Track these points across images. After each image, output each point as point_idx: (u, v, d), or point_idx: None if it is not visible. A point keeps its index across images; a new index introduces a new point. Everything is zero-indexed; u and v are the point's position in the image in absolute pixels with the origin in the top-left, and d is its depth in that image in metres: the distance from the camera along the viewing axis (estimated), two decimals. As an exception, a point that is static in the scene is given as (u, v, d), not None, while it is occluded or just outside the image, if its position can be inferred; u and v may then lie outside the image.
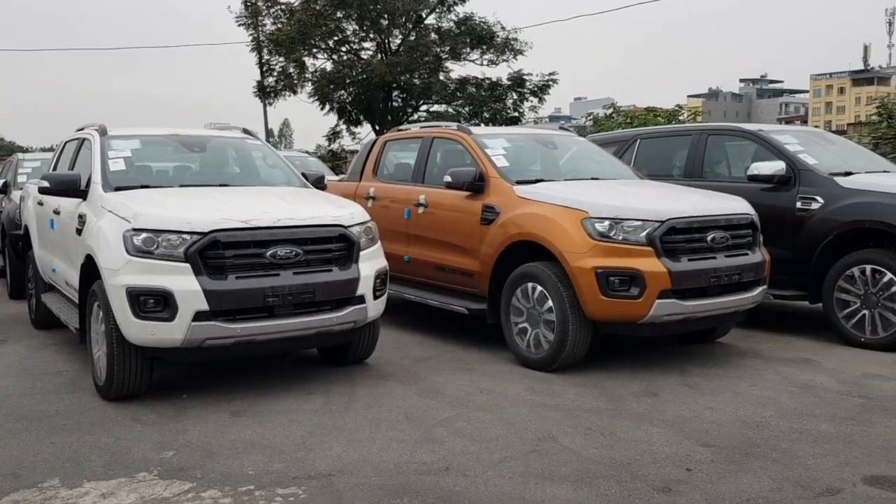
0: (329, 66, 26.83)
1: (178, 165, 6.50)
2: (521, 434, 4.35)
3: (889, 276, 6.07)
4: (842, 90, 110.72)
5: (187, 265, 4.67)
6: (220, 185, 5.94)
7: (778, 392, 5.12)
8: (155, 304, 4.64)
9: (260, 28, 26.82)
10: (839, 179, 6.63)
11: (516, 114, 27.50)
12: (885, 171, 7.26)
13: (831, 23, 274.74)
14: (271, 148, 7.09)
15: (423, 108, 27.58)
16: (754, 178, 6.91)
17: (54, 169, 6.95)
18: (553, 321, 5.55)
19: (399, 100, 27.24)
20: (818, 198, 6.61)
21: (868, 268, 6.20)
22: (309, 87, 26.61)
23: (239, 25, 27.03)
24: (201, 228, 4.72)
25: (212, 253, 4.73)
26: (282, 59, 26.49)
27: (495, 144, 6.75)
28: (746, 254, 5.80)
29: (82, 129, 6.73)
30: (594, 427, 4.46)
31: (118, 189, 5.47)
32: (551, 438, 4.28)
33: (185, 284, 4.63)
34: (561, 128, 9.01)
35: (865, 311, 6.22)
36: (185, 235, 4.71)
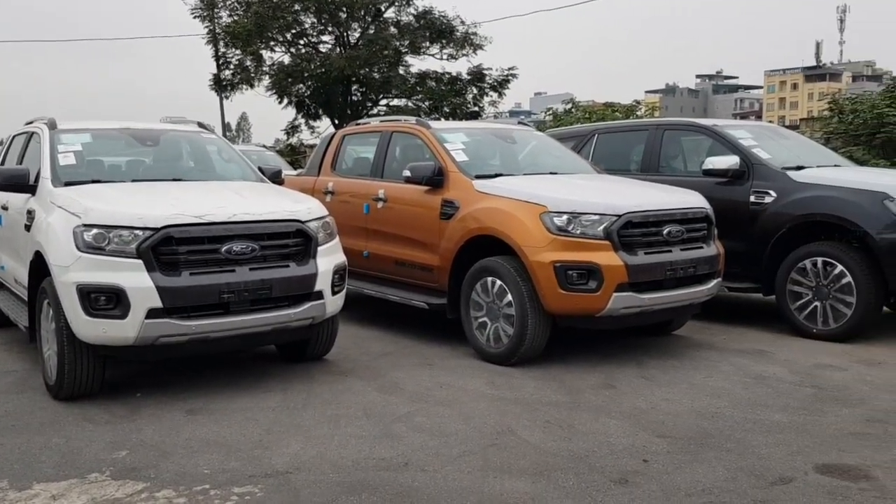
0: (287, 59, 26.58)
1: (130, 160, 6.36)
2: (481, 428, 4.35)
3: (840, 268, 6.21)
4: (795, 86, 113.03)
5: (140, 261, 4.57)
6: (174, 180, 5.83)
7: (732, 383, 5.21)
8: (106, 301, 4.54)
9: (216, 20, 26.40)
10: (791, 174, 6.76)
11: (476, 108, 27.53)
12: (835, 166, 7.42)
13: (784, 20, 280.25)
14: (227, 142, 6.98)
15: (383, 102, 27.47)
16: (709, 173, 7.01)
17: (2, 163, 6.75)
18: (512, 315, 5.56)
19: (358, 94, 27.07)
20: (771, 192, 6.73)
21: (819, 260, 6.33)
22: (266, 81, 26.32)
23: (194, 17, 26.61)
24: (154, 224, 4.63)
25: (165, 249, 4.64)
26: (238, 52, 26.13)
27: (454, 139, 6.74)
28: (701, 247, 5.88)
29: (31, 123, 6.56)
30: (553, 420, 4.48)
31: (68, 184, 5.33)
32: (510, 432, 4.29)
33: (137, 281, 4.54)
34: (520, 122, 9.03)
35: (817, 303, 6.36)
36: (137, 231, 4.61)
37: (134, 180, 5.74)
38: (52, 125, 6.00)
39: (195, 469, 3.82)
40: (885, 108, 12.40)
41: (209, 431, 4.34)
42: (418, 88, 26.73)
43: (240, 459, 3.93)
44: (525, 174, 6.59)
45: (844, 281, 6.18)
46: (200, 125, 6.93)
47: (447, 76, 27.08)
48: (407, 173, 6.36)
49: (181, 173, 6.12)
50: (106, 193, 5.14)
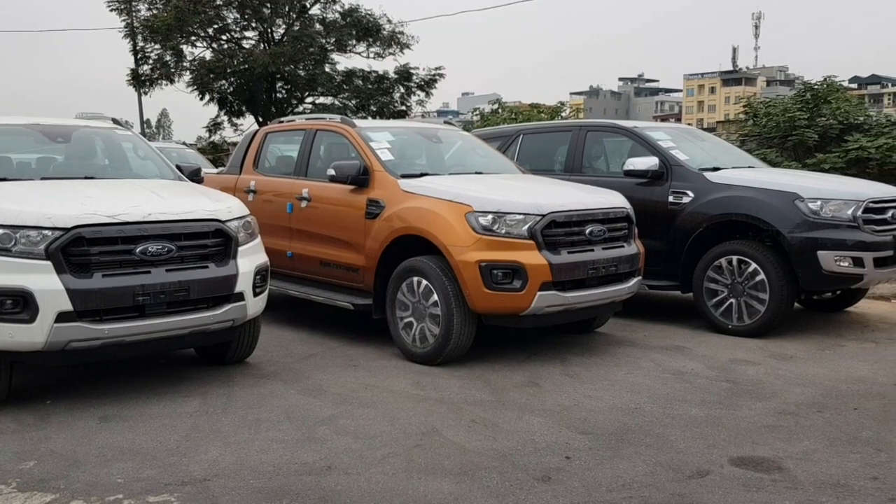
0: (209, 54, 25.95)
1: (40, 157, 6.09)
2: (405, 429, 4.32)
3: (754, 265, 6.42)
4: (713, 90, 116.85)
5: (48, 263, 4.37)
6: (87, 178, 5.60)
7: (652, 379, 5.32)
8: (13, 304, 4.33)
9: (134, 14, 25.57)
10: (708, 174, 6.96)
11: (403, 107, 27.46)
12: (750, 167, 7.67)
13: (703, 25, 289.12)
14: (143, 139, 6.75)
15: (309, 100, 27.11)
16: (629, 174, 7.16)
17: None
18: (438, 315, 5.55)
19: (283, 91, 26.65)
20: (689, 192, 6.91)
21: (734, 258, 6.54)
22: (187, 77, 25.65)
23: (111, 10, 25.71)
24: (64, 224, 4.44)
25: (76, 250, 4.46)
26: (158, 46, 25.37)
27: (380, 138, 6.69)
28: (622, 246, 5.99)
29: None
30: (478, 419, 4.49)
31: (-28, 182, 5.07)
32: (435, 432, 4.28)
33: (46, 284, 4.34)
34: (446, 122, 9.04)
35: (732, 300, 6.56)
36: (45, 231, 4.41)
37: (44, 178, 5.51)
38: (-46, 121, 5.69)
39: (108, 478, 3.67)
40: (797, 111, 12.89)
41: (123, 439, 4.18)
42: (345, 87, 26.47)
43: (155, 467, 3.80)
44: (451, 174, 6.59)
45: (758, 278, 6.40)
46: (115, 121, 6.68)
47: (374, 75, 26.92)
48: (331, 172, 6.28)
49: (94, 171, 5.89)
50: (13, 192, 4.90)
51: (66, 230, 4.43)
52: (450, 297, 5.49)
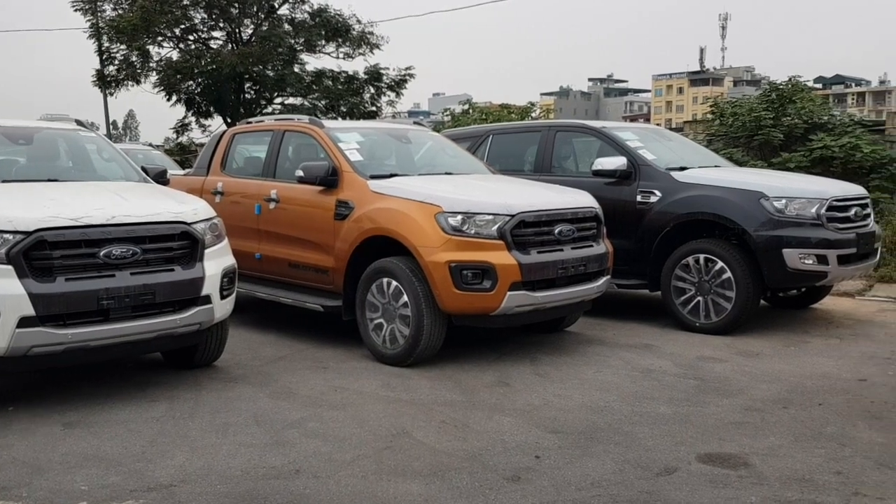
0: (175, 55, 25.63)
1: (1, 160, 5.97)
2: (375, 431, 4.31)
3: (720, 264, 6.49)
4: (681, 90, 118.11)
5: (10, 267, 4.29)
6: (50, 181, 5.51)
7: (621, 377, 5.36)
8: (-27, 310, 4.23)
9: (99, 14, 25.17)
10: (675, 174, 7.02)
11: (374, 108, 27.34)
12: (716, 166, 7.75)
13: (671, 26, 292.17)
14: (107, 140, 6.64)
15: (278, 100, 26.87)
16: (598, 173, 7.20)
17: None
18: (408, 316, 5.54)
19: (252, 91, 26.39)
20: (656, 191, 6.97)
21: (702, 257, 6.61)
22: (154, 77, 25.29)
23: (75, 10, 25.30)
24: (25, 227, 4.35)
25: (38, 254, 4.38)
26: (123, 46, 25.00)
27: (349, 138, 6.66)
28: (591, 245, 6.03)
29: None
30: (448, 420, 4.49)
31: (-70, 185, 4.96)
32: (405, 434, 4.26)
33: (7, 288, 4.26)
34: (415, 123, 9.02)
35: (700, 298, 6.63)
36: (6, 235, 4.32)
37: (5, 181, 5.39)
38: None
39: (72, 485, 3.61)
40: (762, 111, 13.06)
41: (88, 445, 4.11)
42: (314, 87, 26.29)
43: (120, 474, 3.74)
44: (420, 174, 6.58)
45: (725, 276, 6.47)
46: (79, 123, 6.58)
47: (344, 75, 26.77)
48: (300, 173, 6.24)
49: (57, 173, 5.80)
50: (-28, 195, 4.79)
51: (28, 233, 4.35)
52: (420, 297, 5.48)
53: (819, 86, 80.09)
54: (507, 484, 3.62)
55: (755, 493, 3.51)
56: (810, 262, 6.37)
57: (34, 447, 4.08)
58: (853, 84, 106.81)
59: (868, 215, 7.04)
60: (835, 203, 6.61)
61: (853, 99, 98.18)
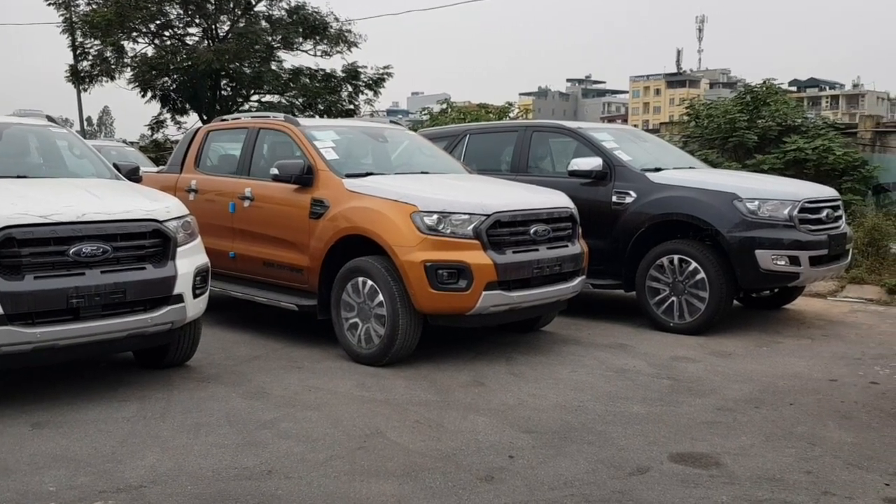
0: (151, 51, 25.35)
1: (-31, 155, 5.87)
2: (349, 431, 4.28)
3: (694, 264, 6.54)
4: (658, 91, 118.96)
5: (-24, 265, 4.21)
6: (19, 177, 5.41)
7: (595, 377, 5.38)
8: (-61, 308, 4.15)
9: (73, 8, 24.84)
10: (650, 175, 7.06)
11: (352, 106, 27.23)
12: (690, 168, 7.81)
13: (648, 28, 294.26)
14: (78, 136, 6.55)
15: (255, 98, 26.66)
16: (574, 174, 7.22)
17: None
18: (384, 315, 5.52)
19: (228, 89, 26.15)
20: (631, 192, 7.01)
21: (676, 257, 6.65)
22: (128, 73, 25.00)
23: (49, 4, 24.94)
24: (-7, 224, 4.28)
25: (6, 251, 4.30)
26: (98, 42, 24.68)
27: (324, 137, 6.62)
28: (566, 245, 6.04)
29: None
30: (422, 420, 4.47)
31: None
32: (379, 434, 4.25)
33: (-27, 286, 4.18)
34: (392, 122, 9.00)
35: (674, 298, 6.67)
36: (-27, 232, 4.24)
37: (-28, 177, 5.30)
38: None
39: (39, 486, 3.55)
40: (737, 113, 13.18)
41: (56, 445, 4.05)
42: (291, 85, 26.11)
43: (90, 474, 3.69)
44: (397, 173, 6.56)
45: (698, 277, 6.52)
46: (49, 118, 6.48)
47: (321, 73, 26.61)
48: (275, 171, 6.19)
49: (27, 170, 5.70)
50: (-62, 192, 4.70)
51: (-4, 231, 4.27)
52: (395, 297, 5.46)
53: (794, 89, 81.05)
54: (481, 484, 3.61)
55: (726, 493, 3.53)
56: (783, 263, 6.43)
57: (1, 448, 4.01)
58: (827, 87, 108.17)
59: (840, 217, 7.13)
60: (807, 205, 6.69)
61: (827, 102, 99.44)
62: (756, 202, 6.55)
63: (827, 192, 7.28)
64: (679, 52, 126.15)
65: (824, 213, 6.82)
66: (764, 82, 14.09)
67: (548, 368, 5.59)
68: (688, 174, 7.25)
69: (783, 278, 6.65)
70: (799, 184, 7.55)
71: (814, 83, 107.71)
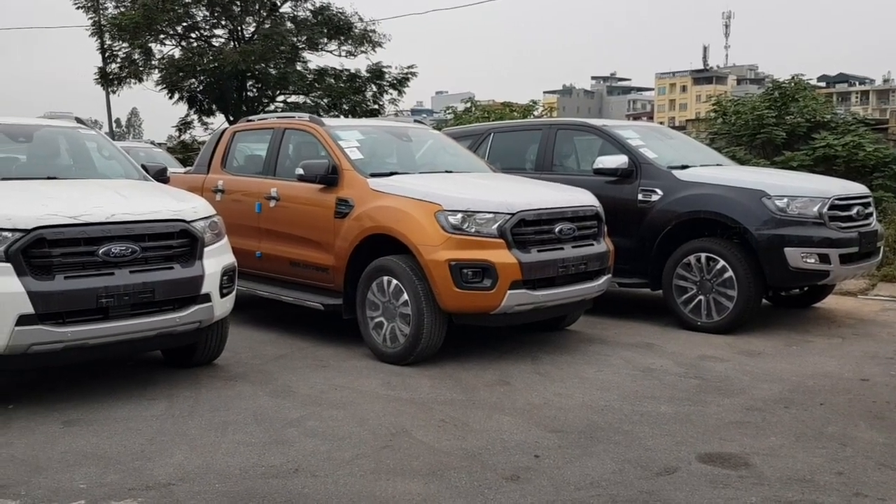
0: (178, 53, 25.63)
1: (1, 158, 5.97)
2: (375, 430, 4.29)
3: (722, 263, 6.47)
4: (684, 88, 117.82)
5: (9, 265, 4.29)
6: (49, 178, 5.50)
7: (622, 376, 5.34)
8: (-28, 307, 4.23)
9: (101, 11, 25.19)
10: (677, 172, 7.00)
11: (376, 106, 27.32)
12: (718, 165, 7.73)
13: (674, 24, 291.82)
14: (107, 138, 6.64)
15: (280, 98, 26.87)
16: (599, 172, 7.18)
17: None
18: (408, 314, 5.53)
19: (254, 90, 26.38)
20: (658, 190, 6.95)
21: (703, 256, 6.58)
22: (156, 75, 25.30)
23: (77, 8, 25.31)
24: (24, 225, 4.35)
25: (37, 251, 4.37)
26: (126, 44, 25.01)
27: (349, 136, 6.64)
28: (592, 244, 6.01)
29: None
30: (447, 419, 4.47)
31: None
32: (404, 433, 4.25)
33: (6, 286, 4.25)
34: (416, 121, 9.01)
35: (701, 297, 6.61)
36: (5, 233, 4.32)
37: (4, 179, 5.39)
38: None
39: (70, 484, 3.61)
40: (765, 110, 13.01)
41: (87, 443, 4.10)
42: (316, 85, 26.27)
43: (119, 472, 3.73)
44: (421, 173, 6.57)
45: (726, 275, 6.44)
46: (79, 120, 6.58)
47: (346, 73, 26.74)
48: (300, 171, 6.23)
49: (57, 171, 5.80)
50: (-29, 193, 4.79)
51: (27, 231, 4.35)
52: (420, 296, 5.47)
53: (823, 84, 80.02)
54: (507, 483, 3.60)
55: (756, 494, 3.49)
56: (812, 261, 6.34)
57: (33, 445, 4.08)
58: (857, 82, 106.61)
59: (870, 214, 7.02)
60: (837, 202, 6.59)
61: (857, 97, 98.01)
62: (785, 199, 6.46)
63: (857, 188, 7.17)
64: (705, 49, 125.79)
65: (854, 210, 6.72)
66: (792, 78, 13.90)
67: (573, 368, 5.56)
68: (715, 171, 7.18)
69: (813, 276, 6.55)
70: (828, 180, 7.43)
71: (843, 78, 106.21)
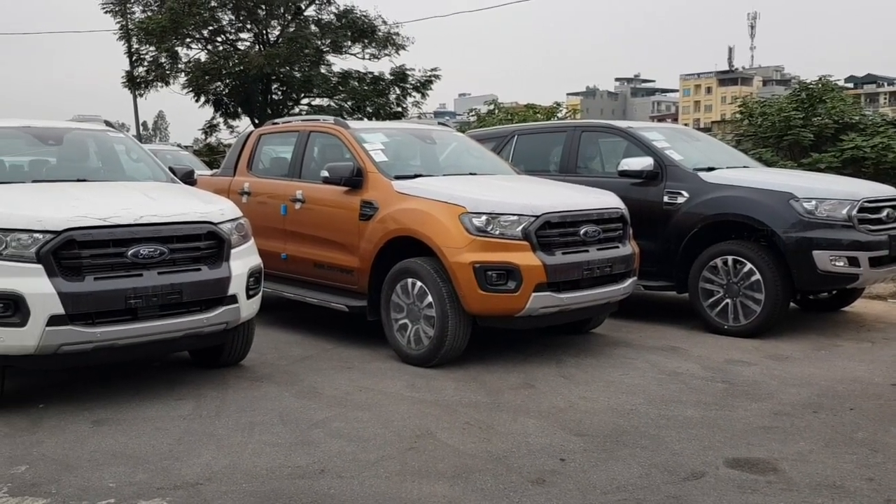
0: (204, 56, 25.91)
1: (32, 160, 6.08)
2: (400, 432, 4.30)
3: (749, 266, 6.41)
4: (709, 90, 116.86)
5: (40, 266, 4.35)
6: (79, 181, 5.58)
7: (647, 380, 5.30)
8: (4, 308, 4.30)
9: (129, 16, 25.54)
10: (703, 174, 6.94)
11: (399, 109, 27.43)
12: (744, 167, 7.66)
13: (699, 25, 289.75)
14: (135, 141, 6.72)
15: (305, 101, 27.09)
16: (624, 174, 7.14)
17: None
18: (433, 316, 5.53)
19: (279, 92, 26.62)
20: (684, 192, 6.90)
21: (730, 258, 6.52)
22: (182, 79, 25.60)
23: (106, 12, 25.69)
24: (55, 227, 4.42)
25: (67, 253, 4.44)
26: (153, 48, 25.34)
27: (373, 139, 6.67)
28: (617, 247, 5.98)
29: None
30: (472, 421, 4.47)
31: (-37, 185, 5.04)
32: (429, 435, 4.26)
33: (37, 287, 4.32)
34: (440, 123, 9.02)
35: (728, 300, 6.55)
36: (36, 234, 4.39)
37: (35, 181, 5.48)
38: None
39: (100, 482, 3.65)
40: (792, 111, 12.89)
41: (116, 443, 4.15)
42: (340, 88, 26.45)
43: (148, 471, 3.77)
44: (445, 175, 6.57)
45: (753, 278, 6.38)
46: (107, 123, 6.66)
47: (370, 76, 26.90)
48: (325, 174, 6.27)
49: (86, 174, 5.87)
50: (4, 195, 4.87)
51: (58, 233, 4.41)
52: (444, 298, 5.47)
53: (850, 85, 78.95)
54: (532, 487, 3.59)
55: (784, 500, 3.45)
56: (841, 264, 6.26)
57: (63, 444, 4.14)
58: (885, 83, 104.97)
59: (901, 217, 6.90)
60: (866, 204, 6.50)
61: (885, 98, 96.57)
62: (813, 202, 6.39)
63: (887, 190, 7.06)
64: (731, 50, 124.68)
65: (884, 213, 6.62)
66: (819, 79, 13.76)
67: (599, 371, 5.54)
68: (742, 173, 7.11)
69: (842, 280, 6.46)
70: (857, 183, 7.33)
71: (871, 79, 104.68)
